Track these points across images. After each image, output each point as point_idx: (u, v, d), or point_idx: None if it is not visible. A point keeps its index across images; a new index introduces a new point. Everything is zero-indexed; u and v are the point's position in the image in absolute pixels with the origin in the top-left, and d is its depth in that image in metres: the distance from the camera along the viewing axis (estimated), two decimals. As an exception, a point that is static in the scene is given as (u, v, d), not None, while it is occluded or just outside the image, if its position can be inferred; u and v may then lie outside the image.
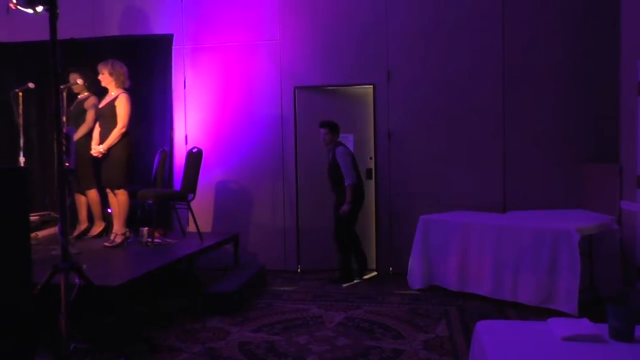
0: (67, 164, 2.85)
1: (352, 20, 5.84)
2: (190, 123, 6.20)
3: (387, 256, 5.78)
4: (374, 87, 5.77)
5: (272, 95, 6.01)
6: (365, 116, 5.89)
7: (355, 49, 5.82)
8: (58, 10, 2.75)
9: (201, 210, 5.94)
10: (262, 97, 6.04)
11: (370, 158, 5.88)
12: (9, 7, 2.83)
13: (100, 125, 4.85)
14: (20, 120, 4.58)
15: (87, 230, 5.27)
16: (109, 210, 5.05)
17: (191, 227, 5.63)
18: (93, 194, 5.14)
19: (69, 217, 2.87)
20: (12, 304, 2.44)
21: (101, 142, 4.74)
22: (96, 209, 5.19)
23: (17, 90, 4.59)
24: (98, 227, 5.24)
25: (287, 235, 5.99)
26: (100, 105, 4.89)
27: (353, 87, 5.89)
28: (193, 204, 5.42)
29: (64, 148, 2.74)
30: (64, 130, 3.12)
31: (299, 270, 5.92)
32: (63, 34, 5.44)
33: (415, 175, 5.72)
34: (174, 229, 5.92)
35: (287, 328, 3.93)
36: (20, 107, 4.55)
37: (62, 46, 2.88)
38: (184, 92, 6.20)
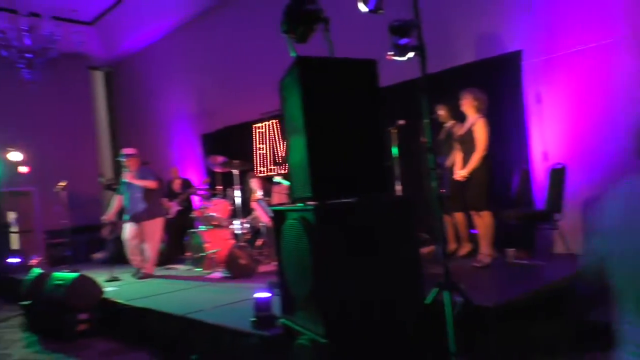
0: (442, 190, 3.09)
1: None
2: (548, 138, 5.90)
3: None
4: None
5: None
6: None
7: None
8: (426, 52, 3.07)
9: (568, 230, 5.53)
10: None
11: None
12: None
13: (461, 151, 5.11)
14: (397, 153, 5.23)
15: (455, 250, 5.56)
16: (474, 232, 5.23)
17: (558, 248, 5.30)
18: (459, 216, 5.41)
19: (437, 238, 3.10)
20: (407, 321, 2.75)
21: (463, 166, 4.98)
22: (463, 231, 5.44)
23: (391, 128, 5.28)
24: (465, 248, 5.47)
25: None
26: (461, 132, 5.16)
27: None
28: (559, 224, 5.11)
29: (439, 176, 3.00)
30: (438, 159, 3.40)
31: None
32: (414, 73, 6.02)
33: None
34: (537, 250, 5.68)
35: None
36: (396, 142, 5.20)
37: (423, 82, 3.20)
38: (538, 107, 5.96)
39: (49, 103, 11.51)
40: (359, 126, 2.77)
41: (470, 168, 4.90)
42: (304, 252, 2.78)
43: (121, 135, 12.87)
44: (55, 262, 10.37)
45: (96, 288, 5.60)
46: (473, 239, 5.44)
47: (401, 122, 5.08)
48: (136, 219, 6.75)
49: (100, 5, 10.37)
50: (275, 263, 6.80)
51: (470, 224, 5.25)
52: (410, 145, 6.44)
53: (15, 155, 9.25)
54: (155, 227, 6.84)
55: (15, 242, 10.01)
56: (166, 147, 11.23)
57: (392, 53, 3.06)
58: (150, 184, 6.76)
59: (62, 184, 8.05)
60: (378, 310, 2.68)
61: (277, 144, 8.55)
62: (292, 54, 2.90)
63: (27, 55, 7.49)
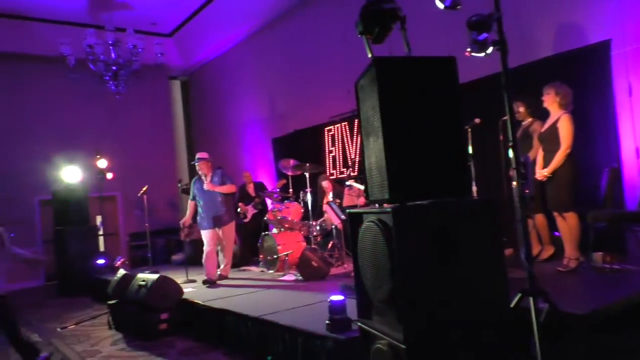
0: (526, 191, 2.94)
1: None
2: (640, 133, 5.50)
3: None
4: None
5: None
6: None
7: None
8: (507, 47, 2.94)
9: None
10: None
11: None
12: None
13: (543, 149, 4.86)
14: (471, 153, 5.07)
15: (537, 254, 5.31)
16: (557, 234, 4.96)
17: (654, 253, 4.92)
18: (540, 217, 5.15)
19: (517, 241, 2.94)
20: (490, 328, 2.63)
21: (545, 165, 4.74)
22: (544, 233, 5.18)
23: (466, 127, 5.12)
24: (548, 251, 5.21)
25: None
26: (542, 129, 4.91)
27: None
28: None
29: (522, 176, 2.86)
30: (521, 158, 3.25)
31: None
32: (487, 69, 5.79)
33: None
34: (629, 253, 5.30)
35: None
36: (471, 141, 5.04)
37: (497, 79, 3.06)
38: (630, 100, 5.57)
39: (132, 113, 12.16)
40: (437, 126, 2.69)
41: (554, 167, 4.65)
42: (381, 255, 2.73)
43: (196, 142, 13.38)
44: (137, 263, 10.93)
45: (176, 289, 5.82)
46: (556, 242, 5.16)
47: (477, 120, 4.91)
48: (217, 223, 6.74)
49: (178, 18, 10.84)
50: (347, 265, 6.84)
51: (553, 226, 4.99)
52: (485, 145, 6.23)
53: (102, 162, 9.83)
54: (232, 231, 6.92)
55: (101, 244, 10.62)
56: (239, 151, 11.52)
57: (470, 49, 2.95)
58: (230, 188, 6.77)
59: (144, 189, 8.44)
60: (460, 316, 2.59)
61: (348, 146, 8.54)
62: (369, 55, 2.87)
63: (113, 68, 7.92)
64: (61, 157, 10.48)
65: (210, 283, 6.59)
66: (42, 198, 10.96)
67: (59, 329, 6.32)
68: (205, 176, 6.82)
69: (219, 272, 6.85)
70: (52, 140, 11.15)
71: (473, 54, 2.98)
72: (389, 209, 2.67)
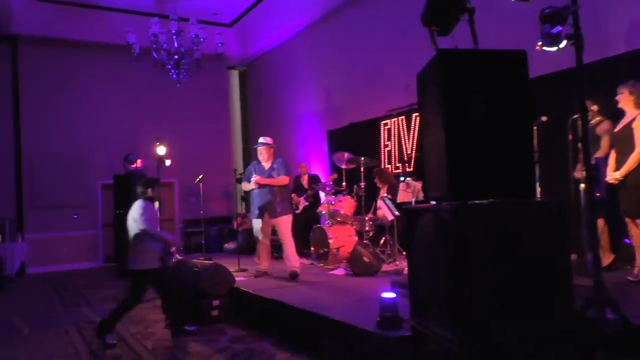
0: (597, 194, 2.79)
1: None
2: None
3: None
4: None
5: None
6: None
7: None
8: (583, 42, 2.79)
9: None
10: None
11: None
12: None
13: (615, 151, 4.61)
14: (536, 152, 4.86)
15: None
16: (627, 241, 4.70)
17: None
18: (600, 222, 4.89)
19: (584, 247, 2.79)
20: (551, 336, 2.52)
21: (617, 168, 4.49)
22: (605, 239, 4.91)
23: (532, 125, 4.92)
24: (607, 258, 4.94)
25: None
26: (616, 129, 4.65)
27: None
28: None
29: (593, 178, 2.71)
30: (593, 161, 3.08)
31: None
32: (554, 65, 5.51)
33: None
34: None
35: None
36: (536, 140, 4.82)
37: (570, 75, 2.91)
38: None
39: (191, 101, 12.48)
40: (504, 123, 2.61)
41: (627, 170, 4.39)
42: (438, 254, 2.67)
43: (252, 132, 13.57)
44: (191, 249, 11.24)
45: (229, 277, 5.93)
46: (620, 249, 4.88)
47: (543, 118, 4.70)
48: (270, 213, 6.33)
49: (239, 8, 10.99)
50: (398, 263, 6.76)
51: (617, 232, 4.72)
52: (551, 144, 5.98)
53: (161, 149, 10.13)
54: (288, 225, 6.41)
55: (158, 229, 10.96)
56: (294, 142, 11.60)
57: (541, 43, 2.82)
58: (282, 180, 6.34)
59: (200, 177, 8.64)
60: (519, 324, 2.49)
61: (405, 141, 8.42)
62: (434, 47, 2.80)
63: (175, 56, 8.12)
64: (123, 144, 10.91)
65: (259, 274, 6.51)
66: (105, 182, 11.43)
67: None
68: (265, 163, 6.45)
69: (292, 270, 6.34)
70: (115, 126, 11.63)
71: (545, 47, 2.86)
72: (447, 207, 2.61)
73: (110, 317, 5.05)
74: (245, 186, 6.62)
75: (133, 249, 5.11)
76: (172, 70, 8.26)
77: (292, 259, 6.39)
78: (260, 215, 6.39)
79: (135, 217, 5.11)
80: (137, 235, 5.08)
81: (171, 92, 10.86)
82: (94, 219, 11.73)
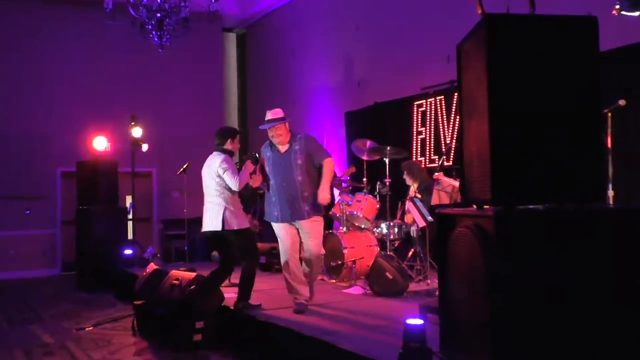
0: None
1: None
2: None
3: None
4: None
5: None
6: None
7: None
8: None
9: None
10: None
11: None
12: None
13: None
14: (609, 146, 4.83)
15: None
16: None
17: None
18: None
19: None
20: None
21: None
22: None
23: (605, 110, 4.88)
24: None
25: None
26: None
27: None
28: None
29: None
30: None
31: None
32: (634, 35, 5.45)
33: None
34: None
35: None
36: (609, 129, 4.80)
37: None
38: None
39: (176, 71, 12.56)
40: (565, 107, 2.61)
41: None
42: (477, 271, 2.69)
43: (251, 110, 13.63)
44: (171, 257, 11.34)
45: (216, 293, 5.98)
46: None
47: (621, 102, 4.67)
48: (294, 214, 5.69)
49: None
50: (430, 281, 6.77)
51: None
52: (630, 136, 5.93)
53: (137, 131, 10.16)
54: (319, 230, 5.85)
55: (130, 230, 11.07)
56: (302, 125, 11.63)
57: (619, 7, 2.82)
58: (329, 165, 5.72)
59: (184, 166, 8.68)
60: (583, 354, 2.51)
61: (443, 127, 8.41)
62: (479, 11, 2.80)
63: (157, 15, 8.14)
64: (89, 123, 10.98)
65: (301, 308, 5.63)
66: (65, 170, 11.56)
67: (75, 330, 6.67)
68: (281, 146, 5.72)
69: (301, 300, 5.74)
70: (80, 101, 11.73)
71: (623, 12, 2.86)
72: (490, 213, 2.64)
73: (240, 290, 5.83)
74: (255, 182, 5.85)
75: (218, 209, 5.85)
76: (154, 32, 8.31)
77: (311, 284, 5.87)
78: (283, 218, 5.73)
79: (218, 173, 5.79)
80: (221, 193, 5.82)
81: (151, 59, 10.94)
82: (51, 215, 11.88)
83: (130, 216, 10.99)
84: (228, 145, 5.92)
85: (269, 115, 5.72)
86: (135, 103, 11.57)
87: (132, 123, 10.19)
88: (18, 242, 11.50)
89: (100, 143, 10.31)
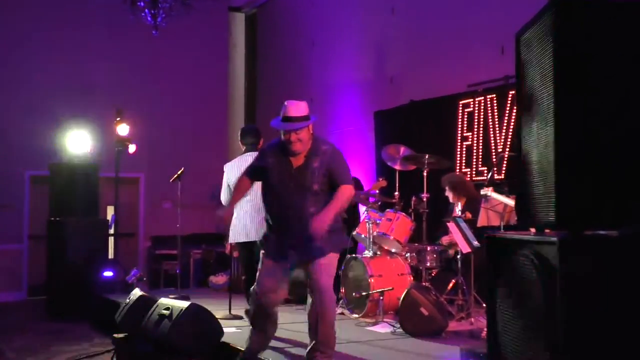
0: None
1: None
2: None
3: None
4: None
5: None
6: None
7: None
8: None
9: None
10: None
11: None
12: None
13: None
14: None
15: None
16: None
17: None
18: None
19: None
20: None
21: None
22: None
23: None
24: None
25: None
26: None
27: None
28: None
29: None
30: None
31: None
32: None
33: None
34: None
35: None
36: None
37: None
38: None
39: (172, 58, 12.67)
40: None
41: None
42: (536, 309, 2.70)
43: (260, 105, 13.66)
44: (159, 281, 11.38)
45: (214, 326, 5.99)
46: None
47: None
48: (304, 252, 4.99)
49: None
50: (474, 319, 6.72)
51: None
52: None
53: (122, 128, 10.17)
54: (331, 271, 5.07)
55: (111, 248, 11.10)
56: (323, 125, 11.65)
57: None
58: (348, 193, 5.04)
59: (179, 171, 8.71)
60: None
61: (495, 132, 8.38)
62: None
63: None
64: (65, 117, 11.02)
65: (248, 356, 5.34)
66: (35, 173, 11.67)
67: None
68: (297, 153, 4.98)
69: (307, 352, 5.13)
70: (54, 91, 11.81)
71: None
72: (553, 239, 2.64)
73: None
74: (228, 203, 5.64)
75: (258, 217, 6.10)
76: (147, 10, 8.39)
77: (330, 338, 5.06)
78: (281, 256, 5.06)
79: None
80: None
81: (143, 42, 11.01)
82: (16, 228, 11.97)
83: (111, 231, 11.03)
84: (261, 145, 6.35)
85: (291, 111, 4.92)
86: (123, 95, 11.64)
87: (118, 119, 10.23)
88: (-25, 260, 11.52)
89: (78, 142, 10.32)
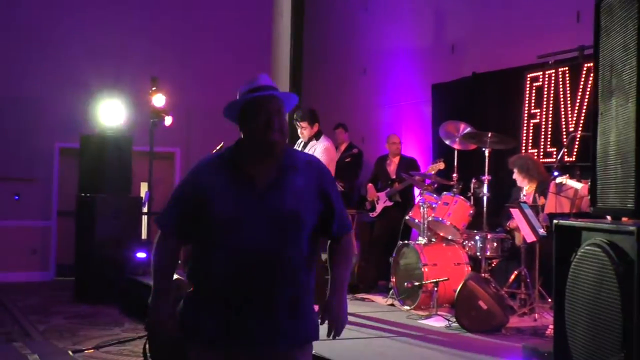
0: None
1: None
2: None
3: None
4: None
5: None
6: None
7: None
8: None
9: None
10: None
11: None
12: None
13: None
14: None
15: None
16: None
17: None
18: None
19: None
20: None
21: None
22: None
23: None
24: None
25: None
26: None
27: None
28: None
29: None
30: None
31: None
32: None
33: None
34: None
35: None
36: None
37: None
38: None
39: (210, 23, 12.70)
40: None
41: None
42: (610, 304, 2.69)
43: (307, 76, 13.62)
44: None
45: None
46: None
47: None
48: (275, 336, 3.01)
49: None
50: (539, 315, 6.67)
51: None
52: None
53: (158, 99, 10.18)
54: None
55: (144, 228, 11.16)
56: (375, 99, 11.63)
57: None
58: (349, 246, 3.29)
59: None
60: None
61: (567, 109, 8.28)
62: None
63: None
64: (97, 86, 11.16)
65: None
66: (65, 145, 11.86)
67: (70, 353, 6.82)
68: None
69: None
70: (85, 58, 11.86)
71: None
72: (631, 228, 2.62)
73: None
74: None
75: None
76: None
77: None
78: (231, 337, 3.03)
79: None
80: None
81: (180, 9, 11.02)
82: (44, 203, 12.13)
83: (145, 209, 11.06)
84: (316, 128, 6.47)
85: (264, 79, 3.15)
86: (158, 63, 11.70)
87: (153, 89, 10.27)
88: (1, 236, 11.63)
89: (110, 113, 10.38)
